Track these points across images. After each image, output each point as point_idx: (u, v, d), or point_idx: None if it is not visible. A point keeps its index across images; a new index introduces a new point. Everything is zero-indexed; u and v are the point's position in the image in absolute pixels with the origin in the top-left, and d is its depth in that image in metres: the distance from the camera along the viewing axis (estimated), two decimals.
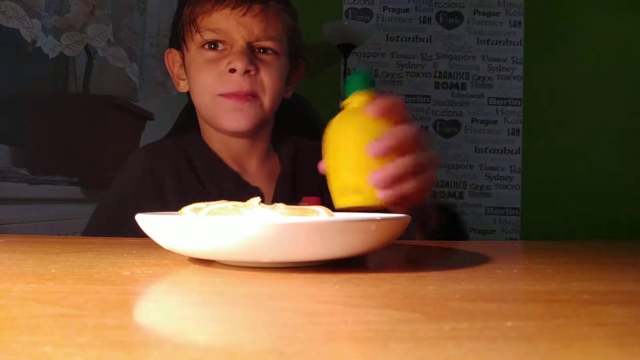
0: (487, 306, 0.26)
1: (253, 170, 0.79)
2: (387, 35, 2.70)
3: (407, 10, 2.70)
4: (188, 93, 0.79)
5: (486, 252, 0.50)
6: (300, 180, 0.80)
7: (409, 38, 2.70)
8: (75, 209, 1.45)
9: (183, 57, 0.77)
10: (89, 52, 1.47)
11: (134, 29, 1.60)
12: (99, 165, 1.42)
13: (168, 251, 0.38)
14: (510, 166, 2.66)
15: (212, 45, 0.72)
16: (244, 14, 0.70)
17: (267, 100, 0.72)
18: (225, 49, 0.72)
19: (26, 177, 1.26)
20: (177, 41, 0.77)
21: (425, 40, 2.70)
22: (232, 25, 0.70)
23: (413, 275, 0.34)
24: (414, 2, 2.71)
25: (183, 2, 0.76)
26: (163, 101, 1.83)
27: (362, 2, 2.70)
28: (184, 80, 0.79)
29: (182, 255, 0.41)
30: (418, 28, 2.70)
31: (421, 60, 2.69)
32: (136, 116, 1.60)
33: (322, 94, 1.89)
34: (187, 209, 0.42)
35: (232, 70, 0.69)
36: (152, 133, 1.48)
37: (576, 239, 0.74)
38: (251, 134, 0.76)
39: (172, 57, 0.80)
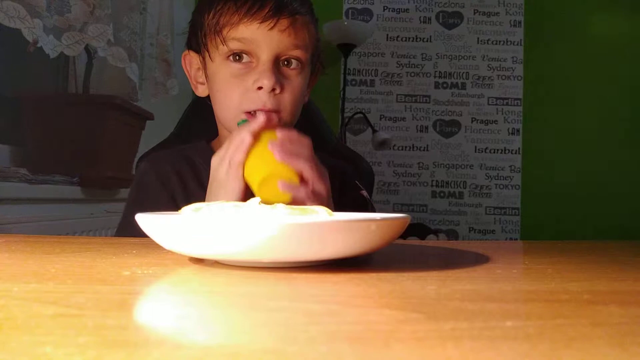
0: (487, 306, 0.26)
1: None
2: (387, 35, 2.70)
3: (407, 10, 2.70)
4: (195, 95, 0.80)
5: (486, 252, 0.50)
6: None
7: (409, 38, 2.70)
8: (75, 209, 1.45)
9: (204, 63, 0.76)
10: (89, 52, 1.47)
11: (134, 29, 1.60)
12: (99, 165, 1.42)
13: (168, 251, 0.38)
14: (510, 166, 2.66)
15: (237, 57, 0.71)
16: (272, 28, 0.69)
17: (287, 116, 0.73)
18: (251, 62, 0.71)
19: (26, 177, 1.26)
20: (197, 46, 0.76)
21: (425, 40, 2.70)
22: (259, 38, 0.69)
23: (413, 275, 0.34)
24: (414, 2, 2.71)
25: (203, 7, 0.74)
26: (163, 101, 1.83)
27: (362, 2, 2.70)
28: (202, 84, 0.78)
29: (182, 255, 0.41)
30: (418, 28, 2.70)
31: (421, 60, 2.69)
32: (136, 116, 1.59)
33: (322, 94, 1.90)
34: (187, 209, 0.42)
35: (259, 88, 0.69)
36: (152, 133, 1.48)
37: (576, 239, 0.74)
38: None
39: (190, 60, 0.79)
